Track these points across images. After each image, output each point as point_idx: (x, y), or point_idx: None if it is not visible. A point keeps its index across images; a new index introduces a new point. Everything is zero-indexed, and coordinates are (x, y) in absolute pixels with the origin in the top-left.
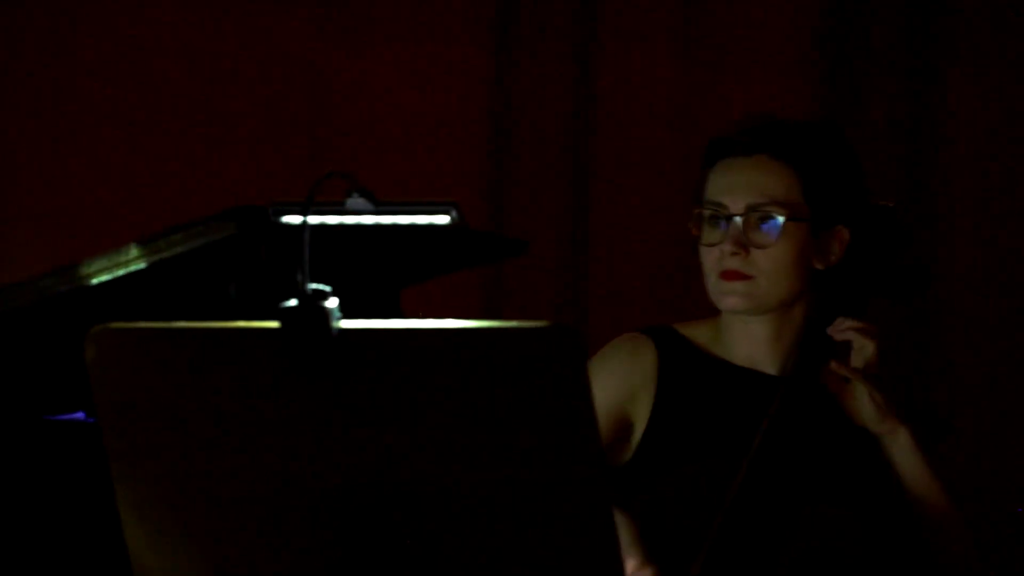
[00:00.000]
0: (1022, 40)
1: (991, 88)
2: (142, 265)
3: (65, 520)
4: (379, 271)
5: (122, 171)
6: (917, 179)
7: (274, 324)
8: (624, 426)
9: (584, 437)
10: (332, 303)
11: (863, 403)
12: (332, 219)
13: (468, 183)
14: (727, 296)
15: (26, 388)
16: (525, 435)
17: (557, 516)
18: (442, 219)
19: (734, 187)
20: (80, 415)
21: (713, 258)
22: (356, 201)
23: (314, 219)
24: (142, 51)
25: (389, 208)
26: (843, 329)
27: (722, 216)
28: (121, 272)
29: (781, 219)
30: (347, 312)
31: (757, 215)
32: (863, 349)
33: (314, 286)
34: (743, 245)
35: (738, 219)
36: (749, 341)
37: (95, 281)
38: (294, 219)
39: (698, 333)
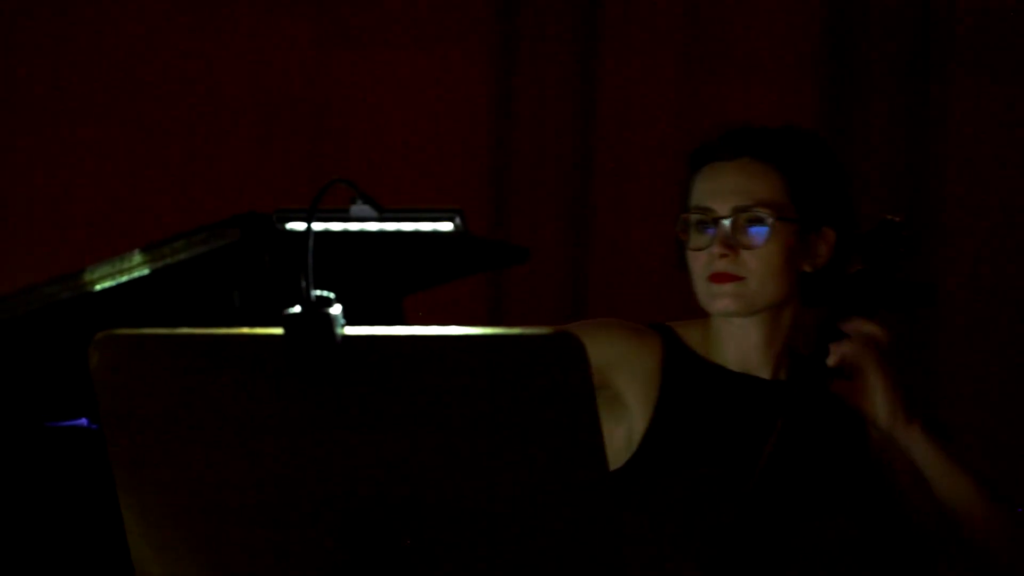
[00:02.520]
0: (1022, 42)
1: (991, 91)
2: (146, 271)
3: (68, 526)
4: (383, 278)
5: (125, 178)
6: (916, 181)
7: (278, 331)
8: (614, 403)
9: (586, 443)
10: (336, 310)
11: (876, 398)
12: (336, 226)
13: (471, 190)
14: (718, 298)
15: (29, 394)
16: (527, 441)
17: (559, 522)
18: (446, 226)
19: (720, 191)
20: (83, 421)
21: (702, 262)
22: (360, 208)
23: (318, 226)
24: (146, 58)
25: (393, 215)
26: (858, 329)
27: (709, 220)
28: (125, 278)
29: (770, 219)
30: (351, 319)
31: (745, 216)
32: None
33: (318, 293)
34: (732, 247)
35: (726, 221)
36: (741, 346)
37: (99, 287)
38: (298, 226)
39: (691, 335)
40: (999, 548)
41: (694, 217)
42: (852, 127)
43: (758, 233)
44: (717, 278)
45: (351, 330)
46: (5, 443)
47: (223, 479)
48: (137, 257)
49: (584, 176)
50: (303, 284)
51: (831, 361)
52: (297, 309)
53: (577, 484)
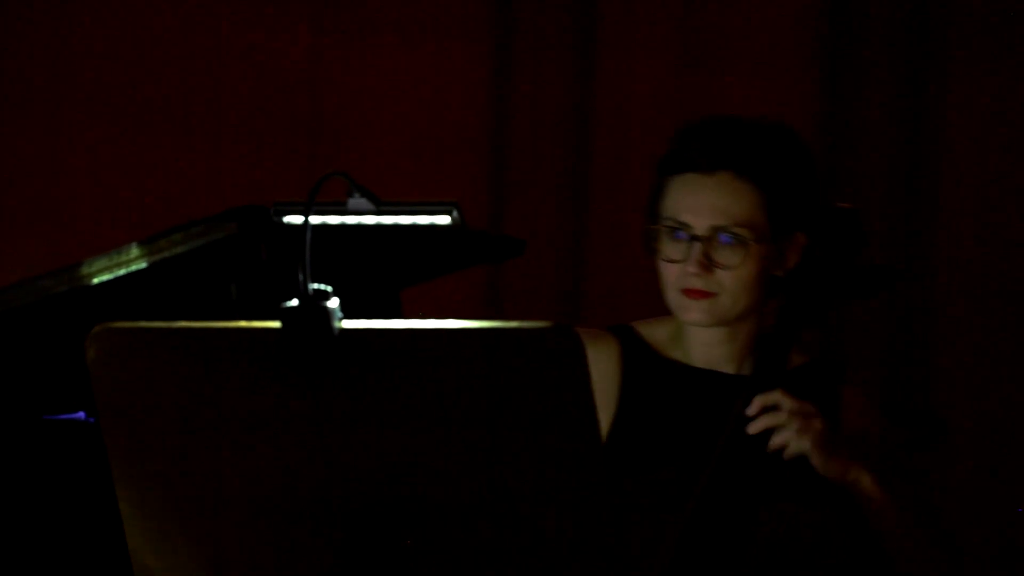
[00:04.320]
0: (1021, 40)
1: (990, 88)
2: (143, 265)
3: (66, 520)
4: (380, 271)
5: (123, 171)
6: (916, 178)
7: (275, 324)
8: None
9: (583, 436)
10: (333, 303)
11: (814, 461)
12: (333, 219)
13: (468, 183)
14: (689, 311)
15: (27, 388)
16: (524, 434)
17: (557, 515)
18: (443, 219)
19: (697, 207)
20: (81, 415)
21: (674, 273)
22: (357, 201)
23: (315, 219)
24: (142, 52)
25: (390, 208)
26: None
27: (684, 234)
28: (122, 272)
29: (748, 240)
30: (348, 312)
31: (721, 235)
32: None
33: (315, 286)
34: (707, 265)
35: (702, 240)
36: (706, 344)
37: (96, 281)
38: (295, 219)
39: (655, 333)
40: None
41: (667, 227)
42: (851, 124)
43: (734, 254)
44: (690, 294)
45: (348, 323)
46: (2, 437)
47: (220, 472)
48: (134, 250)
49: (581, 169)
50: (300, 277)
51: (753, 430)
52: (295, 302)
53: (575, 477)
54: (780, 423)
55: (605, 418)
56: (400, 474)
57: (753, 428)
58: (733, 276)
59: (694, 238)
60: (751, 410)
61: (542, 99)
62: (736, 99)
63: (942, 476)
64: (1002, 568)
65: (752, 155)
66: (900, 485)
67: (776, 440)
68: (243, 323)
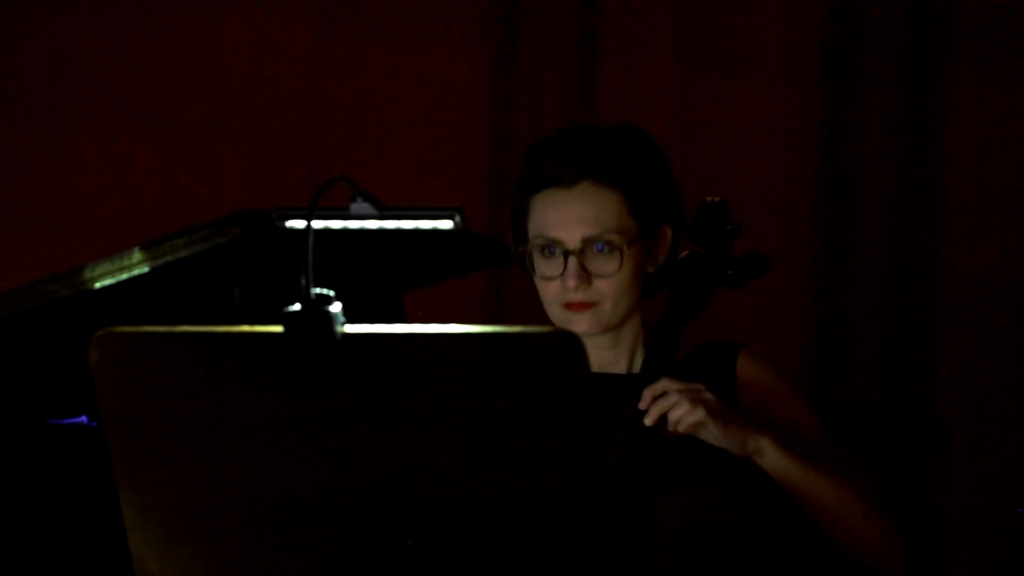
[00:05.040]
0: (1022, 45)
1: (990, 90)
2: (146, 269)
3: (68, 524)
4: (382, 276)
5: (125, 175)
6: (917, 181)
7: (278, 328)
8: None
9: (585, 440)
10: (336, 308)
11: (712, 440)
12: (336, 224)
13: (471, 188)
14: (575, 325)
15: (29, 392)
16: (526, 438)
17: (558, 518)
18: (446, 224)
19: (565, 221)
20: (83, 419)
21: (553, 290)
22: (360, 206)
23: (318, 224)
24: (145, 57)
25: (393, 213)
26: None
27: (557, 249)
28: (125, 276)
29: (620, 245)
30: (350, 316)
31: (594, 245)
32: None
33: (318, 291)
34: (584, 277)
35: (575, 253)
36: (594, 348)
37: (99, 285)
38: (298, 224)
39: None
40: (872, 542)
41: (538, 246)
42: (852, 127)
43: (610, 261)
44: (573, 307)
45: (351, 328)
46: (5, 441)
47: (222, 476)
48: (137, 255)
49: None
50: (303, 282)
51: (649, 421)
52: (297, 307)
53: (576, 481)
54: (671, 405)
55: None
56: (402, 479)
57: (648, 419)
58: (612, 283)
59: (567, 253)
60: (642, 404)
61: (545, 103)
62: (738, 104)
63: (943, 477)
64: (1002, 568)
65: (608, 160)
66: (812, 443)
67: (671, 418)
68: (245, 327)
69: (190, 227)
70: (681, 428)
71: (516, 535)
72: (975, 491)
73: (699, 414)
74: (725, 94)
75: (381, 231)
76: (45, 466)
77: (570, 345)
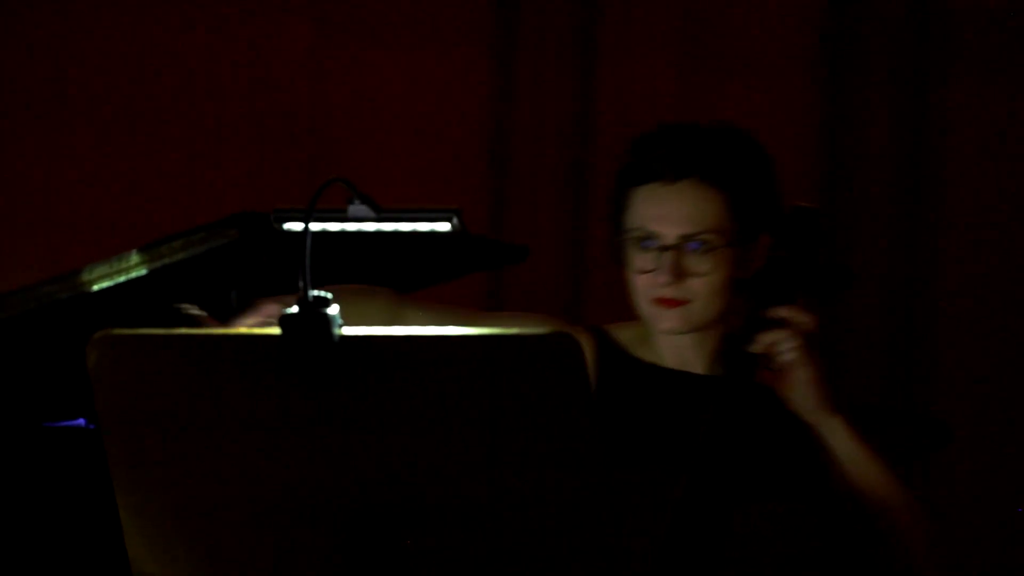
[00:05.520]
0: (1021, 42)
1: (990, 90)
2: (143, 271)
3: (66, 527)
4: (380, 278)
5: (123, 177)
6: (918, 181)
7: (275, 331)
8: None
9: (584, 442)
10: (333, 310)
11: (799, 388)
12: (334, 226)
13: (469, 189)
14: (664, 320)
15: (27, 394)
16: (525, 440)
17: (558, 520)
18: (443, 226)
19: (665, 217)
20: (81, 422)
21: (645, 283)
22: (358, 208)
23: (316, 226)
24: (143, 59)
25: (391, 215)
26: (781, 316)
27: (653, 243)
28: (122, 278)
29: (717, 246)
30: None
31: (691, 243)
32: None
33: (316, 293)
34: (678, 274)
35: (672, 249)
36: (678, 346)
37: (96, 287)
38: (296, 226)
39: (626, 335)
40: (911, 539)
41: (636, 238)
42: (852, 127)
43: (705, 259)
44: (664, 303)
45: (348, 330)
46: (3, 444)
47: (220, 479)
48: (135, 257)
49: (582, 176)
50: (301, 284)
51: (756, 349)
52: (295, 309)
53: (576, 481)
54: (784, 338)
55: None
56: (401, 481)
57: (754, 346)
58: (705, 282)
59: (664, 248)
60: (755, 347)
61: (543, 105)
62: (738, 106)
63: (943, 476)
64: (1002, 568)
65: (715, 160)
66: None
67: (776, 340)
68: (243, 330)
69: (188, 229)
70: (781, 358)
71: (516, 537)
72: (975, 491)
73: (802, 353)
74: (724, 94)
75: (379, 233)
76: (43, 469)
77: (568, 346)
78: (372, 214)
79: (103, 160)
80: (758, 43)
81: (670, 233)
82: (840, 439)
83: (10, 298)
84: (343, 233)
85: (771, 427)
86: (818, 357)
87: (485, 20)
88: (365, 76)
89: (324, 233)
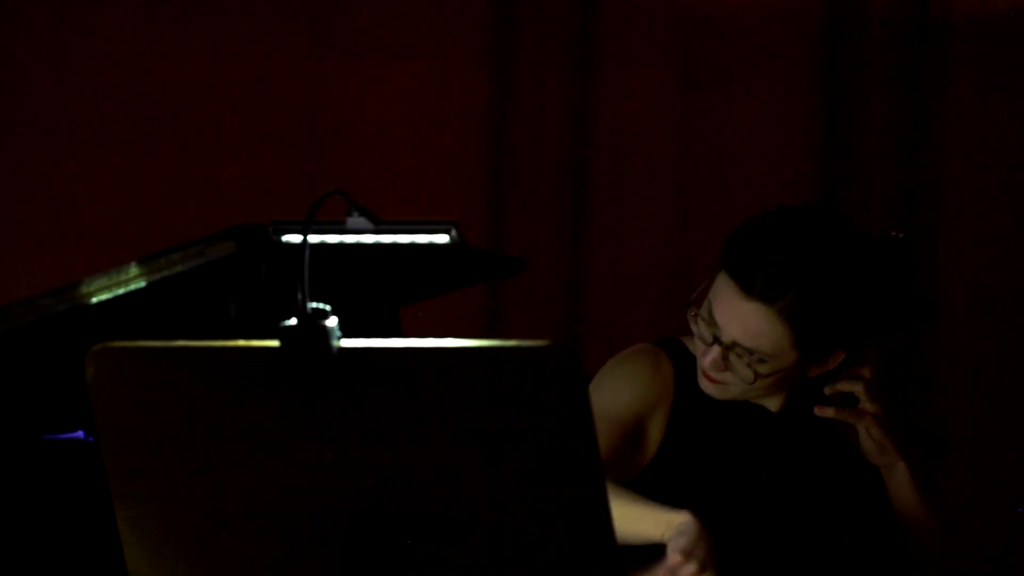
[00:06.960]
0: (1019, 47)
1: (990, 93)
2: (142, 284)
3: (65, 539)
4: (379, 290)
5: (121, 190)
6: (915, 187)
7: (274, 343)
8: (639, 437)
9: (583, 454)
10: (332, 322)
11: (862, 438)
12: (332, 238)
13: (468, 201)
14: (704, 385)
15: (26, 407)
16: (524, 453)
17: (556, 532)
18: (442, 238)
19: (729, 319)
20: (80, 434)
21: (701, 350)
22: (356, 220)
23: (314, 238)
24: (142, 69)
25: (389, 227)
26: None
27: (711, 331)
28: (121, 291)
29: (762, 367)
30: (347, 331)
31: (741, 350)
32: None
33: (314, 305)
34: (722, 367)
35: (723, 345)
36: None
37: (95, 300)
38: (294, 238)
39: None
40: (933, 560)
41: (703, 314)
42: (850, 135)
43: (749, 369)
44: (708, 376)
45: (347, 342)
46: (2, 456)
47: (219, 491)
48: (133, 269)
49: (581, 187)
50: (299, 296)
51: (832, 391)
52: (293, 321)
53: (572, 493)
54: (860, 386)
55: (655, 436)
56: (399, 493)
57: (829, 388)
58: (745, 384)
59: (716, 339)
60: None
61: (542, 116)
62: (737, 112)
63: (943, 476)
64: (1002, 568)
65: (794, 299)
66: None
67: (854, 389)
68: (242, 342)
69: (186, 242)
70: (855, 403)
71: (514, 549)
72: (975, 492)
73: (873, 401)
74: (724, 108)
75: (377, 245)
76: (42, 481)
77: (566, 358)
78: (370, 226)
79: (102, 173)
80: (757, 48)
81: (727, 334)
82: (898, 485)
83: (9, 310)
84: (341, 245)
85: (838, 466)
86: (888, 403)
87: (483, 31)
88: (364, 86)
89: (322, 245)
